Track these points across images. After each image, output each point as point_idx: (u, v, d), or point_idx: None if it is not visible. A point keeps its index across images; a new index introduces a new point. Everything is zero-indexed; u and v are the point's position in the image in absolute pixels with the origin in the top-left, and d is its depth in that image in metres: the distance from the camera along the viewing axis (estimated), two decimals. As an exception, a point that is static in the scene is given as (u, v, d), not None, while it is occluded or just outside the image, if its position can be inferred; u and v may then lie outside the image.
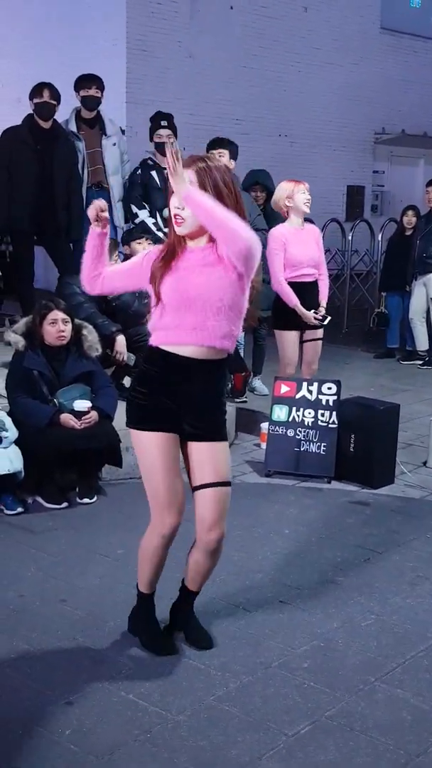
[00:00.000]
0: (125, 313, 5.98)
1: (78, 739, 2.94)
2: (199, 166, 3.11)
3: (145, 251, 3.39)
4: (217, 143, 7.17)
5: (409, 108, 13.82)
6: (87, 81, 7.18)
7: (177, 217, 3.13)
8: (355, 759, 2.88)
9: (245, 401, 7.48)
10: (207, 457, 3.28)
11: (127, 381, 6.32)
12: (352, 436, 5.66)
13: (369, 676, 3.37)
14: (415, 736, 3.00)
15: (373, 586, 4.15)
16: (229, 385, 7.57)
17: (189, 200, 3.02)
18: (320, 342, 6.20)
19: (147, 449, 3.30)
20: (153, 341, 3.24)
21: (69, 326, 5.22)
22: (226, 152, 7.11)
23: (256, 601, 3.95)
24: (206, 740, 2.95)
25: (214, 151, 7.06)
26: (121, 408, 5.53)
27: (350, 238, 11.95)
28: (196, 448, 3.30)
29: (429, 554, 4.58)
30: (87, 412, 5.05)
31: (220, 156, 7.06)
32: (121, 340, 5.87)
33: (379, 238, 11.49)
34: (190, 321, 3.14)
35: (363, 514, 5.14)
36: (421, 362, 9.68)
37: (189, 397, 3.24)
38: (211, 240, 3.15)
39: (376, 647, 3.59)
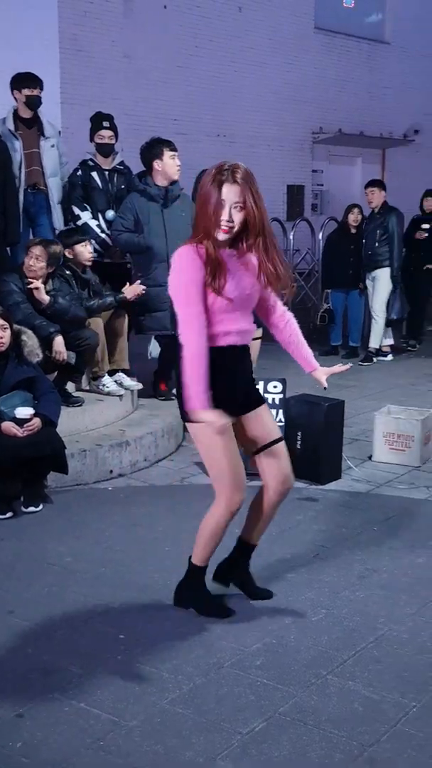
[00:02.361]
0: (61, 319, 5.94)
1: (29, 751, 2.91)
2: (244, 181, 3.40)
3: (188, 267, 3.46)
4: (165, 143, 7.10)
5: (346, 108, 13.96)
6: (32, 81, 7.08)
7: (229, 224, 3.42)
8: (309, 753, 2.90)
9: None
10: (265, 419, 3.73)
11: (70, 386, 6.29)
12: (299, 433, 5.70)
13: (321, 670, 3.40)
14: (367, 727, 3.04)
15: (322, 581, 4.19)
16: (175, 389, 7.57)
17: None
18: (259, 341, 6.25)
19: (210, 436, 3.54)
20: (218, 342, 3.52)
21: (8, 332, 5.17)
22: (176, 154, 7.08)
23: (206, 602, 3.96)
24: (160, 744, 2.95)
25: (168, 151, 7.04)
26: (65, 413, 5.54)
27: (291, 237, 12.03)
28: (252, 415, 3.70)
29: (376, 547, 4.63)
30: (29, 420, 5.00)
31: (172, 158, 7.04)
32: (59, 340, 5.83)
33: (320, 237, 11.59)
34: (247, 317, 3.59)
35: (312, 510, 5.18)
36: (362, 359, 9.81)
37: (241, 379, 3.66)
38: (237, 243, 3.51)
39: (327, 641, 3.62)
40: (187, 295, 3.43)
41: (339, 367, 3.84)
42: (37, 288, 5.91)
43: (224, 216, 3.40)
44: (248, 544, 3.90)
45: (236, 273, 3.48)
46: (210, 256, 3.42)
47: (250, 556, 3.93)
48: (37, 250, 5.95)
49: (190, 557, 3.84)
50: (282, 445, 3.73)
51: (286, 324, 3.76)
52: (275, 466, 3.70)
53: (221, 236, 3.43)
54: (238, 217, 3.41)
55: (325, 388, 3.85)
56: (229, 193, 3.38)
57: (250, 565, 3.96)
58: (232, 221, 3.40)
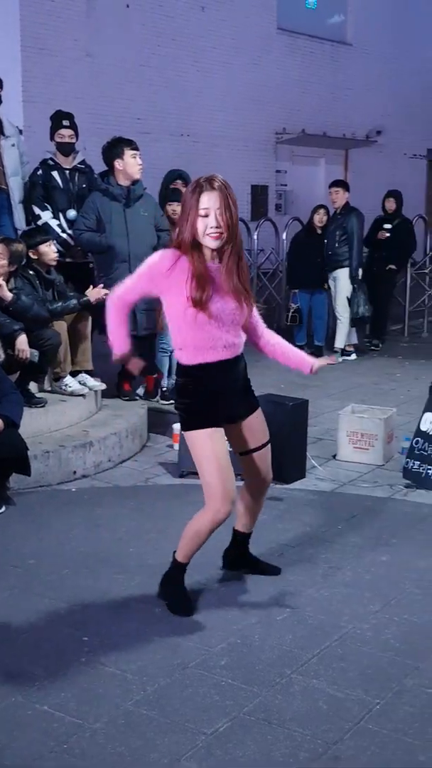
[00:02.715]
0: (23, 317, 5.90)
1: (-8, 753, 2.89)
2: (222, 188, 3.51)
3: (154, 262, 3.62)
4: (126, 143, 7.09)
5: (309, 108, 14.01)
6: None
7: (217, 231, 3.50)
8: (274, 752, 2.90)
9: (157, 402, 7.47)
10: (255, 426, 3.88)
11: (33, 387, 6.24)
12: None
13: (285, 669, 3.40)
14: (331, 725, 3.05)
15: (287, 580, 4.20)
16: (142, 388, 7.56)
17: None
18: None
19: (202, 445, 3.70)
20: (190, 360, 3.65)
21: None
22: (138, 153, 7.06)
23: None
24: (124, 746, 2.93)
25: (129, 151, 7.02)
26: (28, 414, 5.50)
27: (256, 237, 12.04)
28: (245, 423, 3.85)
29: (341, 545, 4.65)
30: (-9, 421, 4.95)
31: (134, 157, 7.02)
32: (22, 338, 5.78)
33: (284, 237, 11.62)
34: (234, 330, 3.67)
35: (276, 510, 5.19)
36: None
37: (230, 390, 3.74)
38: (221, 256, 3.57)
39: (291, 640, 3.62)
40: (139, 275, 3.66)
41: (328, 359, 4.17)
42: (0, 285, 5.85)
43: (211, 223, 3.48)
44: (241, 533, 4.17)
45: (221, 287, 3.57)
46: (196, 269, 3.50)
47: (246, 543, 4.21)
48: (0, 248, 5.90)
49: (174, 551, 3.92)
50: (268, 448, 3.96)
51: (272, 336, 3.97)
52: (257, 467, 3.93)
53: (213, 243, 3.51)
54: (224, 222, 3.50)
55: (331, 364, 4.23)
56: (211, 200, 3.48)
57: (249, 549, 4.23)
58: (221, 226, 3.49)
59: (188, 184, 7.95)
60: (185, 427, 3.76)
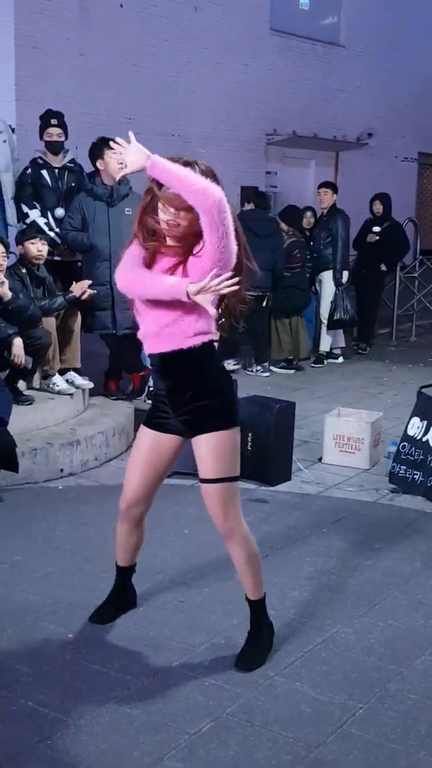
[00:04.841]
0: (20, 316, 5.91)
1: (-24, 750, 2.90)
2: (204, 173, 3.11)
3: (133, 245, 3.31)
4: (106, 143, 7.16)
5: (300, 110, 14.02)
6: None
7: (170, 223, 3.16)
8: (256, 753, 2.93)
9: (144, 401, 7.49)
10: (202, 453, 3.34)
11: (21, 384, 6.25)
12: (249, 434, 5.73)
13: (269, 671, 3.43)
14: (314, 728, 3.08)
15: (271, 582, 4.20)
16: (129, 387, 7.58)
17: (155, 167, 3.05)
18: None
19: (137, 439, 3.54)
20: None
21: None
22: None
23: (156, 603, 3.98)
24: (107, 744, 2.96)
25: (109, 150, 7.07)
26: (16, 411, 5.50)
27: (245, 238, 12.05)
28: (194, 441, 3.37)
29: (325, 548, 4.68)
30: (-20, 417, 4.97)
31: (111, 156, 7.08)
32: (18, 343, 5.79)
33: (273, 238, 11.62)
34: (151, 328, 3.27)
35: (261, 512, 5.22)
36: (313, 361, 9.89)
37: (173, 392, 3.36)
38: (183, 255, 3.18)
39: (275, 642, 3.64)
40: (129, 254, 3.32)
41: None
42: (2, 282, 5.85)
43: (165, 215, 3.19)
44: (246, 598, 3.59)
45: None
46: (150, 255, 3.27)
47: (258, 610, 3.59)
48: (0, 248, 5.91)
49: None
50: (209, 488, 3.34)
51: None
52: (205, 504, 3.40)
53: (168, 237, 3.23)
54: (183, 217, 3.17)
55: None
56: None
57: (259, 628, 3.60)
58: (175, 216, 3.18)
59: None
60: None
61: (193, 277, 3.12)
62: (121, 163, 6.94)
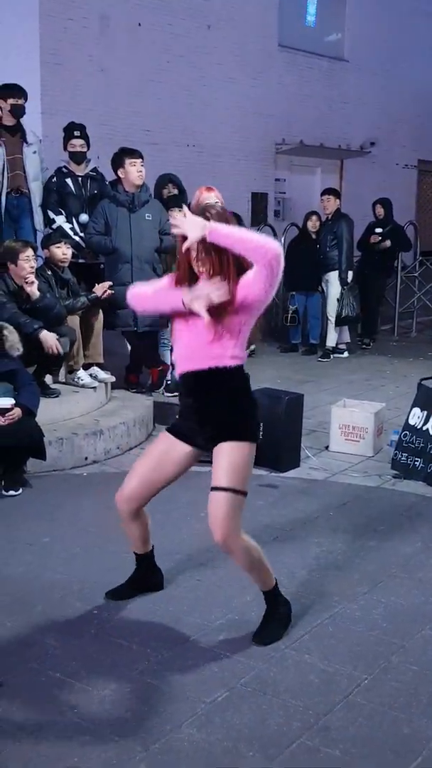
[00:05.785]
0: (46, 314, 5.93)
1: (8, 716, 2.92)
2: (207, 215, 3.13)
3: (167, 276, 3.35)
4: (128, 152, 7.19)
5: (307, 121, 13.96)
6: (17, 91, 7.06)
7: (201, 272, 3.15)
8: (268, 721, 2.93)
9: (162, 394, 7.50)
10: (218, 462, 3.28)
11: (48, 379, 6.27)
12: (261, 424, 5.69)
13: (280, 645, 3.43)
14: (322, 697, 3.08)
15: (281, 562, 4.21)
16: (149, 381, 7.59)
17: (213, 234, 3.04)
18: None
19: (155, 441, 3.54)
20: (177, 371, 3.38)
21: (-9, 329, 5.14)
22: (138, 161, 7.13)
23: (174, 580, 3.98)
24: (130, 712, 2.97)
25: (129, 159, 7.09)
26: (43, 404, 5.51)
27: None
28: (215, 451, 3.32)
29: (332, 530, 4.68)
30: (10, 409, 4.98)
31: (132, 165, 7.09)
32: (46, 335, 5.80)
33: (282, 241, 11.62)
34: (188, 350, 3.26)
35: (272, 496, 5.21)
36: (320, 356, 9.88)
37: (203, 409, 3.32)
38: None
39: (286, 618, 3.64)
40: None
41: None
42: (33, 282, 5.87)
43: (185, 298, 3.16)
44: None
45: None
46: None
47: (266, 603, 3.54)
48: (30, 252, 5.91)
49: None
50: (217, 496, 3.24)
51: None
52: (209, 512, 3.28)
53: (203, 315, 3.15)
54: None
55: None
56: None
57: (274, 610, 3.54)
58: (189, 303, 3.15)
59: (179, 187, 8.09)
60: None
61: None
62: (141, 172, 7.03)
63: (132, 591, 3.82)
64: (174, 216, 3.15)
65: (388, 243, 10.62)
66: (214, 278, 3.13)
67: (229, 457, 3.25)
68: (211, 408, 3.30)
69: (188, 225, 3.07)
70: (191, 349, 3.25)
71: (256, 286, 3.10)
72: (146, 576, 3.84)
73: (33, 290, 5.86)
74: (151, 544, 3.79)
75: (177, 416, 3.51)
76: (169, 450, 3.45)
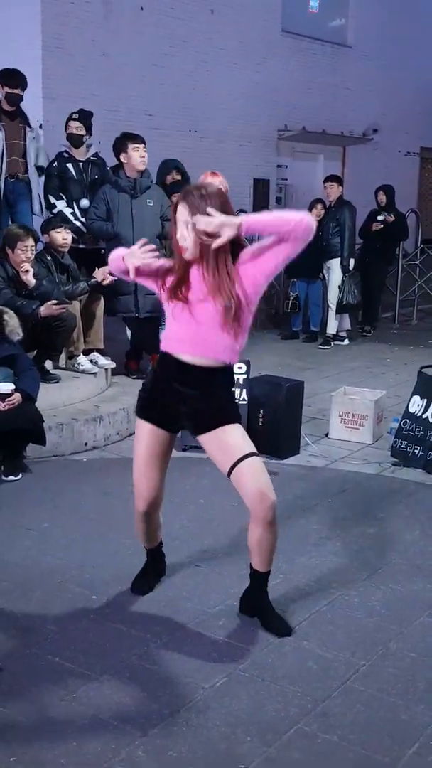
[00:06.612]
0: (45, 301, 5.91)
1: (8, 700, 2.92)
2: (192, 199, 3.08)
3: (160, 262, 3.28)
4: (130, 137, 7.14)
5: (309, 107, 13.88)
6: (15, 79, 7.04)
7: (182, 247, 3.13)
8: (266, 706, 2.94)
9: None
10: (225, 441, 3.26)
11: (48, 364, 6.26)
12: (261, 411, 5.73)
13: (278, 631, 3.43)
14: (320, 683, 3.08)
15: (280, 549, 4.16)
16: (149, 366, 7.58)
17: (249, 228, 3.02)
18: None
19: (137, 435, 3.43)
20: (163, 347, 3.30)
21: (-10, 313, 5.13)
22: (141, 146, 7.09)
23: (173, 567, 3.98)
24: (129, 697, 2.97)
25: (132, 144, 7.04)
26: (44, 389, 5.51)
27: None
28: (210, 437, 3.29)
29: (331, 517, 4.68)
30: (10, 394, 4.97)
31: (135, 150, 7.05)
32: (44, 308, 5.78)
33: (284, 228, 11.56)
34: (192, 336, 3.19)
35: (271, 483, 5.20)
36: (321, 343, 9.87)
37: (189, 398, 3.26)
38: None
39: (284, 604, 3.65)
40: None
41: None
42: (27, 270, 5.86)
43: (177, 234, 3.15)
44: (254, 571, 3.46)
45: (196, 302, 3.17)
46: (178, 273, 3.21)
47: (261, 584, 3.48)
48: (30, 242, 5.89)
49: None
50: (249, 462, 3.22)
51: None
52: (245, 486, 3.24)
53: (184, 255, 3.16)
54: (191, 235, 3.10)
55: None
56: (181, 211, 3.13)
57: (267, 595, 3.51)
58: (184, 238, 3.12)
59: (183, 173, 8.06)
60: (136, 411, 3.45)
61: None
62: (143, 157, 6.99)
63: (153, 580, 3.79)
64: (201, 219, 3.01)
65: (392, 217, 10.54)
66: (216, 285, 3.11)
67: (235, 432, 3.27)
68: (207, 398, 3.26)
69: (222, 225, 3.00)
70: (191, 334, 3.20)
71: (272, 261, 3.07)
72: (156, 564, 3.83)
73: (28, 279, 5.85)
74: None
75: (142, 391, 3.41)
76: (158, 439, 3.38)
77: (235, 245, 3.12)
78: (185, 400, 3.28)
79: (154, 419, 3.37)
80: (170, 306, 3.24)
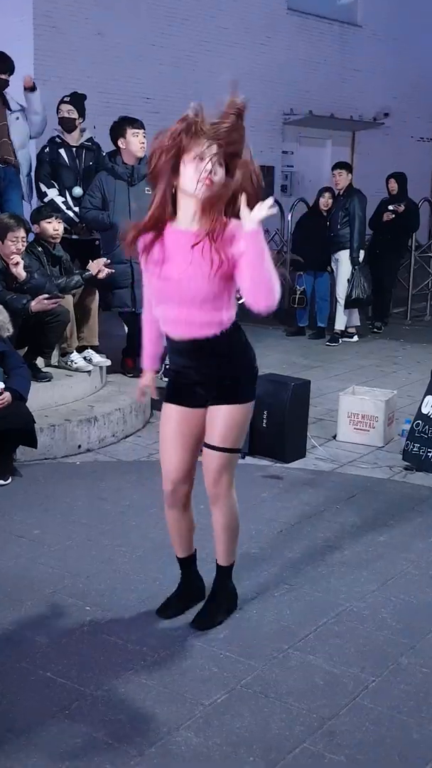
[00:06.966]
0: (36, 295, 5.91)
1: (-4, 718, 2.93)
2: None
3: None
4: (129, 121, 7.12)
5: (316, 89, 13.90)
6: (2, 64, 7.04)
7: (208, 180, 3.11)
8: (270, 725, 2.94)
9: (160, 379, 7.48)
10: (216, 420, 3.34)
11: (40, 362, 6.26)
12: (265, 412, 5.73)
13: (282, 644, 3.43)
14: (327, 700, 3.08)
15: (286, 557, 4.23)
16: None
17: (255, 236, 3.01)
18: None
19: (163, 418, 3.47)
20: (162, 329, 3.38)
21: (-21, 308, 5.13)
22: (141, 132, 7.06)
23: (172, 576, 3.97)
24: (124, 714, 2.97)
25: (131, 129, 7.03)
26: (35, 388, 5.51)
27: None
28: (211, 409, 3.37)
29: (338, 524, 4.68)
30: (0, 394, 4.98)
31: (134, 135, 7.03)
32: (36, 303, 5.79)
33: (289, 218, 11.58)
34: (172, 313, 3.23)
35: (276, 488, 5.22)
36: (328, 340, 9.87)
37: (204, 368, 3.32)
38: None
39: (289, 615, 3.66)
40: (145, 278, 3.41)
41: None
42: (17, 263, 5.86)
43: (204, 166, 3.18)
44: (217, 563, 3.62)
45: (172, 266, 3.19)
46: (152, 223, 3.33)
47: (223, 576, 3.63)
48: (21, 233, 5.90)
49: None
50: (211, 453, 3.36)
51: None
52: (203, 465, 3.42)
53: (202, 190, 3.13)
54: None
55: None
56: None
57: (217, 589, 3.64)
58: (215, 171, 3.19)
59: None
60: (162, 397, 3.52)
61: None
62: (143, 143, 6.98)
63: (184, 604, 3.68)
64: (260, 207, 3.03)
65: (401, 207, 10.53)
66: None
67: (229, 419, 3.34)
68: (214, 369, 3.32)
69: (262, 215, 3.01)
70: (185, 316, 3.20)
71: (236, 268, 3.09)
72: (190, 584, 3.73)
73: (19, 271, 5.86)
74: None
75: (168, 380, 3.50)
76: (185, 419, 3.41)
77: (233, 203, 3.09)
78: (200, 375, 3.35)
79: (174, 398, 3.44)
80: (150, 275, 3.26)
